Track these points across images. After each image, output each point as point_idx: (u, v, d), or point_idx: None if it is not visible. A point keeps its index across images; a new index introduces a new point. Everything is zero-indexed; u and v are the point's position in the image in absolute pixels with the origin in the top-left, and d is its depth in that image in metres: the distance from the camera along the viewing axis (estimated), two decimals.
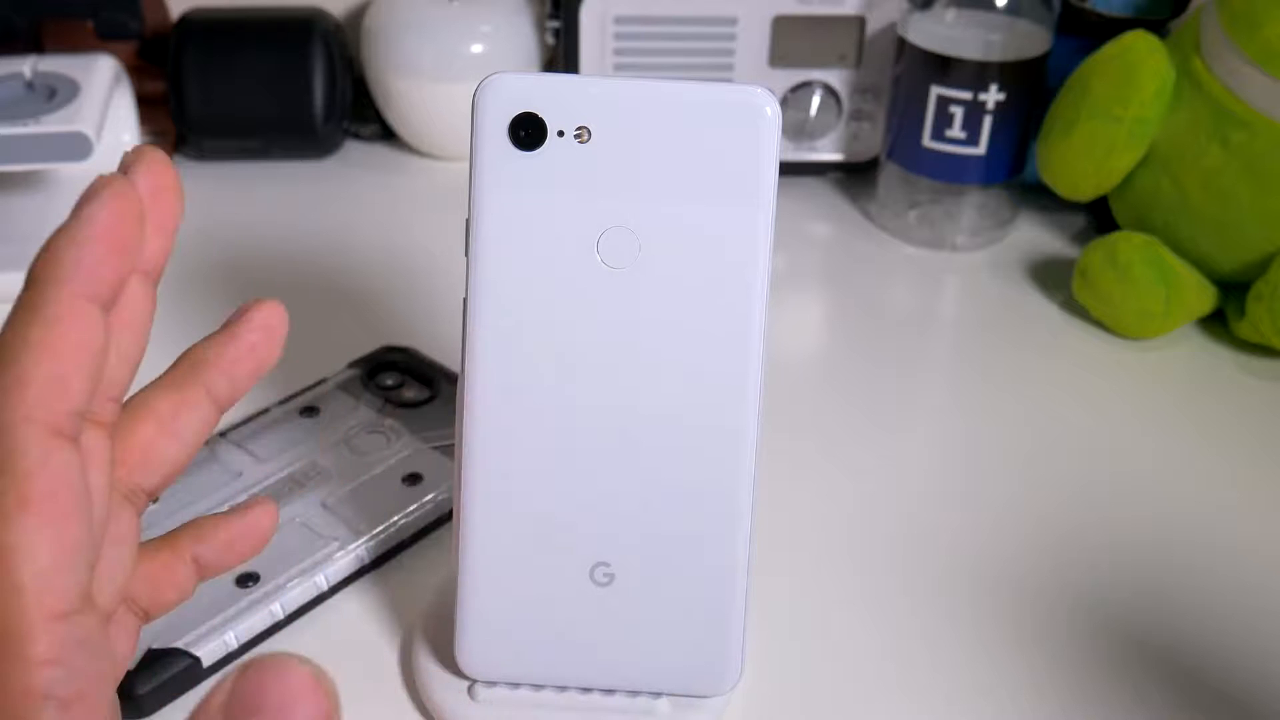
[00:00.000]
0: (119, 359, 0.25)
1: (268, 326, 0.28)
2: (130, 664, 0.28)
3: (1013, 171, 0.61)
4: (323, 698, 0.20)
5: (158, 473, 0.27)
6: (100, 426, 0.25)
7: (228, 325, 0.28)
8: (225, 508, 0.36)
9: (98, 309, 0.23)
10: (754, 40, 0.63)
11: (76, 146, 0.54)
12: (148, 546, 0.29)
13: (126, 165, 0.25)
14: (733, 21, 0.62)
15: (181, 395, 0.27)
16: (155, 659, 0.35)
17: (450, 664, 0.35)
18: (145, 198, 0.24)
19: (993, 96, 0.58)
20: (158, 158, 0.25)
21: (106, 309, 0.23)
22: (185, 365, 0.28)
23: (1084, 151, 0.56)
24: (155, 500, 0.33)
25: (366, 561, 0.40)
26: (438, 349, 0.50)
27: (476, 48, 0.66)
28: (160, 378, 0.28)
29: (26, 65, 0.60)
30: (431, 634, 0.37)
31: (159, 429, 0.27)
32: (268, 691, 0.19)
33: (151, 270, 0.25)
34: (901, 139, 0.61)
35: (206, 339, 0.28)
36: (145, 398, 0.27)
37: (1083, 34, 0.61)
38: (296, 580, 0.38)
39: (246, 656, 0.37)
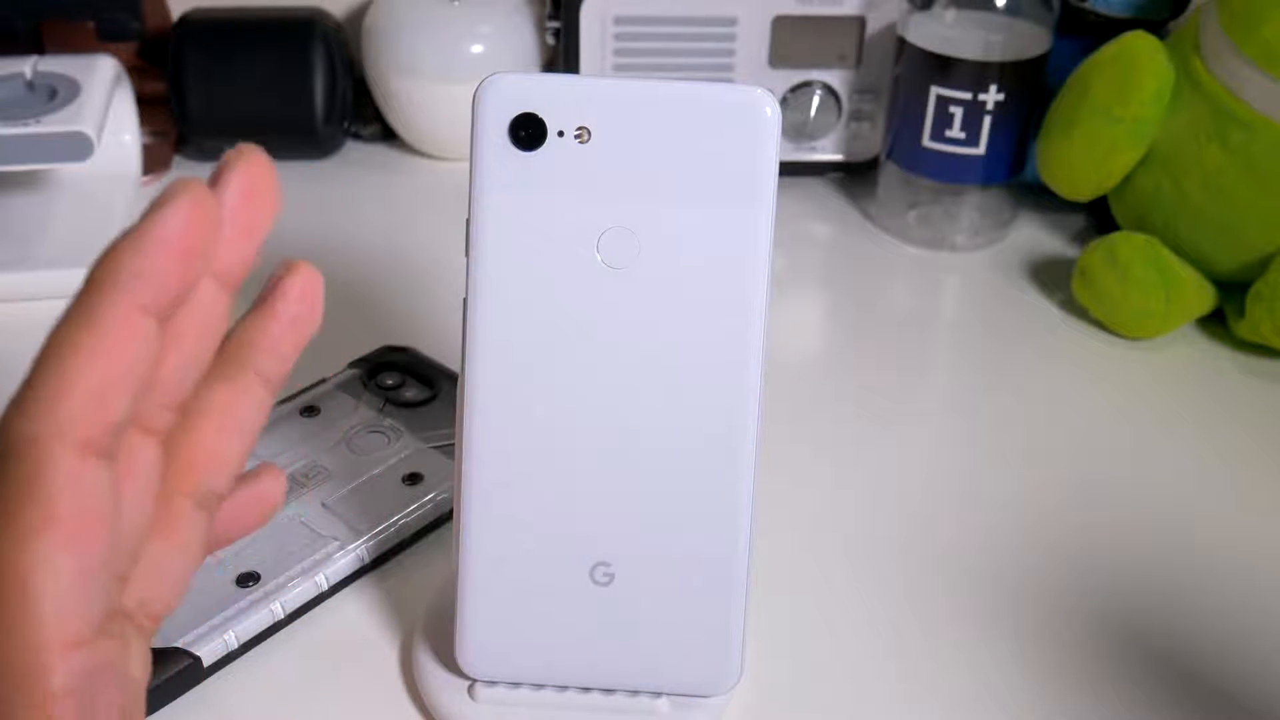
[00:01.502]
0: (181, 366, 0.24)
1: (305, 295, 0.26)
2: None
3: (1012, 171, 0.61)
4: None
5: (224, 471, 0.26)
6: (150, 434, 0.24)
7: (265, 300, 0.26)
8: None
9: (153, 321, 0.22)
10: (754, 40, 0.63)
11: (77, 146, 0.54)
12: None
13: (226, 161, 0.23)
14: (733, 21, 0.62)
15: (234, 384, 0.26)
16: (155, 659, 0.35)
17: (450, 664, 0.35)
18: (236, 199, 0.23)
19: (992, 97, 0.58)
20: (258, 158, 0.23)
21: (164, 320, 0.22)
22: (231, 351, 0.26)
23: (1084, 151, 0.56)
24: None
25: (366, 561, 0.40)
26: (438, 349, 0.50)
27: (476, 48, 0.66)
28: (210, 370, 0.25)
29: (27, 65, 0.60)
30: (431, 634, 0.37)
31: (219, 426, 0.26)
32: None
33: (229, 277, 0.24)
34: (901, 139, 0.61)
35: (245, 318, 0.26)
36: (199, 395, 0.25)
37: (1083, 34, 0.61)
38: (297, 580, 0.38)
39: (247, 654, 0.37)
